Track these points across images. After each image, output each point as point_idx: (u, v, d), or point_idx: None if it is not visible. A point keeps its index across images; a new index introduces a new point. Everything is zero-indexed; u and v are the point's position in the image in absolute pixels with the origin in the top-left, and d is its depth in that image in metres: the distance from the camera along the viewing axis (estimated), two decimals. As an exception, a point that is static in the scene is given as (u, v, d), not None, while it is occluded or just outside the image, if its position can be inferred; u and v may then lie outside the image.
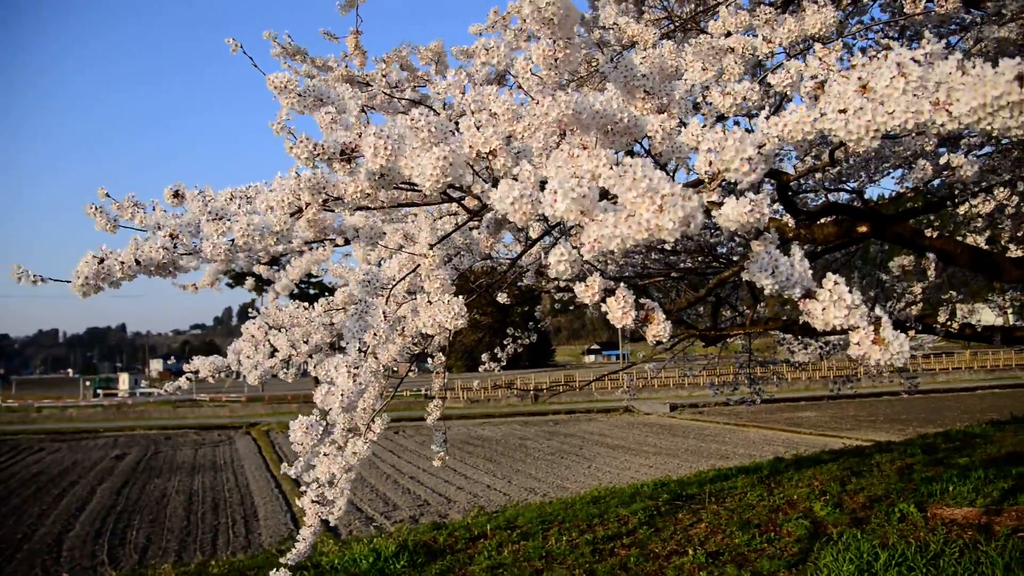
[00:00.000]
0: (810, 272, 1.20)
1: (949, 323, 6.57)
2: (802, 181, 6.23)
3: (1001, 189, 4.88)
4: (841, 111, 1.21)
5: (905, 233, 4.52)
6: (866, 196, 6.37)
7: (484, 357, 7.13)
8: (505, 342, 7.26)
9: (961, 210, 5.03)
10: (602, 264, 5.94)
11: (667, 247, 6.28)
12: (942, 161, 3.55)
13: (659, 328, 1.35)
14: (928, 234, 4.63)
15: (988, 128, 1.15)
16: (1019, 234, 5.43)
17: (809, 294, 1.19)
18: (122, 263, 1.58)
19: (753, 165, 1.12)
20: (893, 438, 16.48)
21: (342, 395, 1.65)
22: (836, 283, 1.18)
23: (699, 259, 6.92)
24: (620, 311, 1.34)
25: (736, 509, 8.31)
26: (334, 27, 4.62)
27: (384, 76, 3.62)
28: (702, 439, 22.65)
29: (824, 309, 1.16)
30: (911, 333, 6.71)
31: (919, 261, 6.74)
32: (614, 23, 2.45)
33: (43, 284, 1.87)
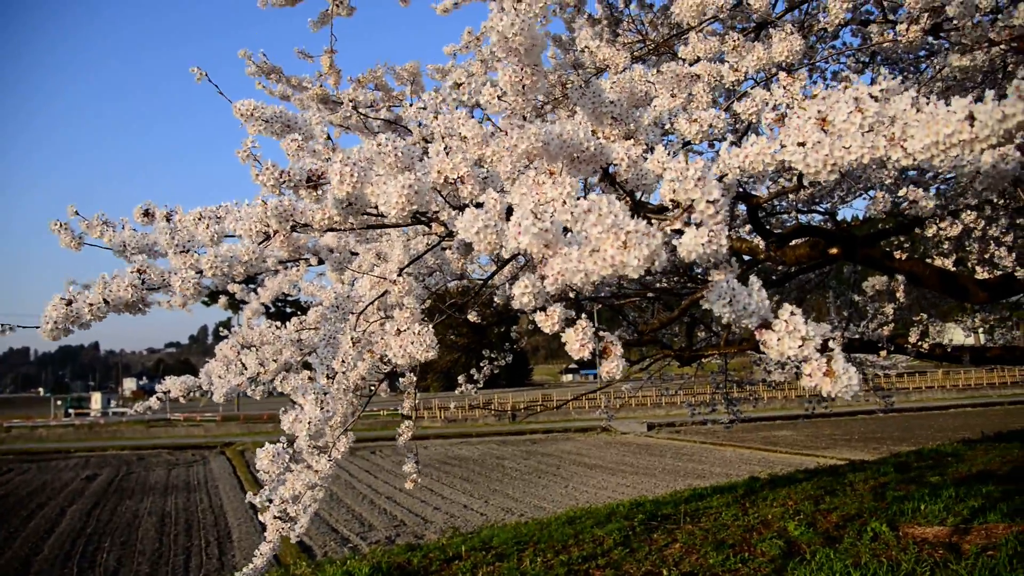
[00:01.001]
0: (767, 302, 1.21)
1: (920, 344, 6.66)
2: (775, 203, 6.31)
3: (968, 213, 4.96)
4: (800, 144, 1.23)
5: (875, 255, 4.58)
6: (839, 217, 6.47)
7: (460, 379, 7.10)
8: (482, 363, 7.24)
9: (929, 232, 5.11)
10: (580, 287, 5.94)
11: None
12: (901, 193, 3.61)
13: (613, 365, 1.35)
14: (897, 256, 4.70)
15: (941, 164, 1.18)
16: (986, 256, 5.52)
17: (765, 324, 1.20)
18: (91, 305, 1.57)
19: (718, 208, 1.14)
20: (867, 457, 16.61)
21: (309, 423, 1.64)
22: (792, 314, 1.20)
23: (674, 279, 6.97)
24: (578, 343, 1.35)
25: (711, 529, 8.32)
26: (311, 43, 4.62)
27: (352, 100, 3.61)
28: (679, 458, 22.68)
29: (779, 340, 1.17)
30: (883, 354, 6.80)
31: (890, 283, 6.83)
32: (585, 46, 2.48)
33: (16, 309, 1.85)
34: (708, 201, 1.15)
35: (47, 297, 1.71)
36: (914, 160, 1.17)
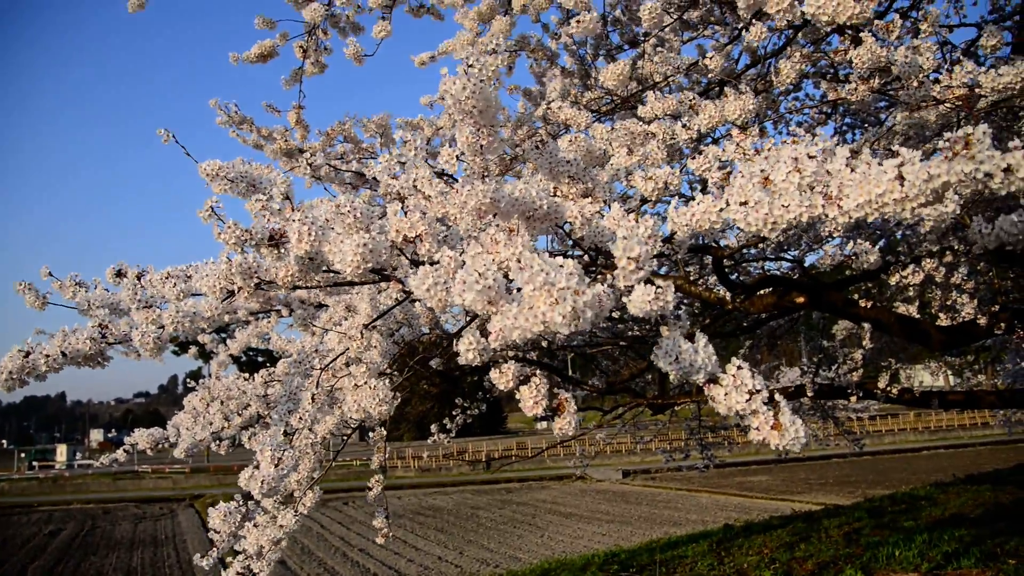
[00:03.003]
0: (714, 358, 1.23)
1: (889, 389, 6.72)
2: (744, 251, 6.41)
3: (929, 260, 5.07)
4: (743, 203, 1.27)
5: (839, 303, 4.66)
6: (807, 263, 6.57)
7: (433, 428, 7.05)
8: (454, 412, 7.21)
9: (892, 280, 5.21)
10: (550, 336, 5.98)
11: (615, 315, 6.36)
12: (847, 248, 3.70)
13: (566, 422, 1.37)
14: (861, 304, 4.77)
15: (877, 219, 1.22)
16: (948, 303, 5.63)
17: (713, 379, 1.22)
18: (47, 356, 1.57)
19: (640, 264, 1.17)
20: (842, 501, 16.60)
21: (262, 480, 1.63)
22: (739, 368, 1.22)
23: (646, 327, 7.02)
24: (531, 400, 1.36)
25: (687, 579, 8.25)
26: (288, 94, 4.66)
27: (315, 152, 3.65)
28: (654, 506, 22.52)
29: (726, 394, 1.20)
30: (853, 399, 6.86)
31: (856, 328, 6.93)
32: (547, 106, 2.54)
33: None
34: (629, 257, 1.18)
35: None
36: (850, 218, 1.21)
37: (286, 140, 4.34)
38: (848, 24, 1.98)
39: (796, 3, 2.10)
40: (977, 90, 2.14)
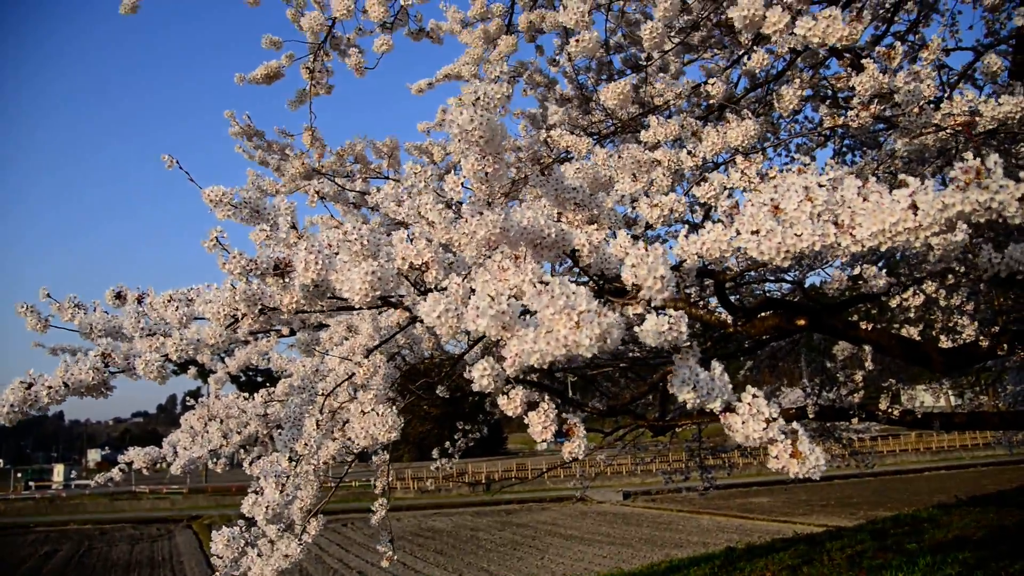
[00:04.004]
0: (729, 385, 1.23)
1: (891, 410, 6.70)
2: (745, 273, 6.40)
3: (930, 283, 5.07)
4: (754, 232, 1.27)
5: (840, 326, 4.66)
6: (808, 284, 6.57)
7: (435, 453, 7.02)
8: (456, 436, 7.17)
9: (893, 303, 5.21)
10: (566, 360, 5.96)
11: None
12: (855, 271, 3.71)
13: (575, 445, 1.36)
14: (863, 326, 4.76)
15: (890, 248, 1.22)
16: (949, 325, 5.62)
17: (729, 408, 1.22)
18: (49, 388, 1.56)
19: (666, 284, 1.16)
20: (844, 523, 16.50)
21: (267, 507, 1.61)
22: (755, 396, 1.22)
23: (646, 350, 7.00)
24: (540, 426, 1.35)
25: (689, 603, 8.18)
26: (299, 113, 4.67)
27: (320, 184, 3.66)
28: (656, 527, 22.37)
29: (744, 423, 1.19)
30: (854, 421, 6.83)
31: (857, 350, 6.91)
32: (548, 134, 2.54)
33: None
34: (656, 277, 1.18)
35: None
36: (863, 247, 1.21)
37: (303, 163, 4.35)
38: (840, 47, 1.99)
39: (792, 23, 2.12)
40: (977, 118, 2.15)
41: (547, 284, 1.12)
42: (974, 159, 1.12)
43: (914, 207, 1.14)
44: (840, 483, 29.87)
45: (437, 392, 4.11)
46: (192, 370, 5.85)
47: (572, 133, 2.44)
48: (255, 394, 3.23)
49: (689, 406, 1.22)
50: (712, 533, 19.97)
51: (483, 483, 29.89)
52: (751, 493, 29.56)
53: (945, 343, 5.33)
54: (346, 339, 2.85)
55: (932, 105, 2.28)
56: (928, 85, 2.23)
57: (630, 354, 6.90)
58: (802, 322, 4.38)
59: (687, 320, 1.24)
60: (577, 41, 2.83)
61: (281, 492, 1.65)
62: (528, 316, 1.23)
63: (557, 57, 5.27)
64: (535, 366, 1.08)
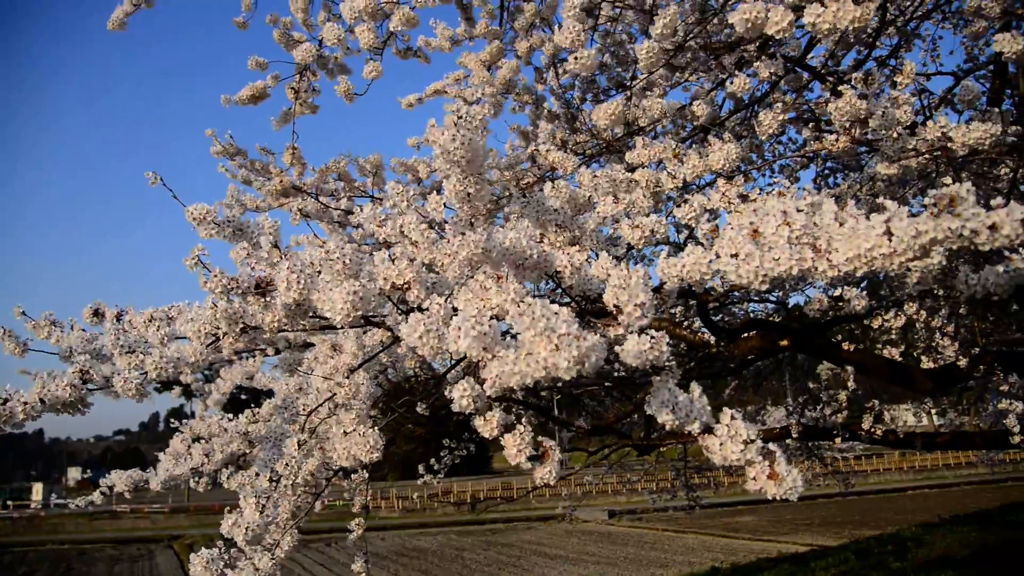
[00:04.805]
0: (708, 408, 1.24)
1: (873, 430, 6.73)
2: (729, 293, 6.44)
3: (911, 304, 5.12)
4: (733, 255, 1.28)
5: (823, 346, 4.69)
6: (791, 304, 6.61)
7: (420, 469, 6.99)
8: (441, 454, 7.15)
9: (875, 324, 5.25)
10: (548, 382, 5.96)
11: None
12: (836, 293, 3.74)
13: (547, 470, 1.36)
14: (845, 347, 4.80)
15: (866, 273, 1.23)
16: (932, 345, 5.67)
17: (708, 429, 1.22)
18: (25, 403, 1.54)
19: (645, 311, 1.17)
20: (829, 542, 16.50)
21: (247, 528, 1.60)
22: (733, 418, 1.22)
23: (630, 369, 7.00)
24: (515, 448, 1.35)
25: (674, 623, 8.14)
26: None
27: (303, 203, 3.66)
28: (641, 547, 22.28)
29: (722, 444, 1.20)
30: (837, 440, 6.86)
31: (840, 371, 6.95)
32: (535, 149, 2.56)
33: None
34: (635, 304, 1.19)
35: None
36: (839, 271, 1.23)
37: (282, 181, 4.35)
38: (849, 30, 1.99)
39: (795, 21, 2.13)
40: (949, 144, 2.18)
41: (529, 305, 1.13)
42: (953, 184, 1.15)
43: (889, 233, 1.16)
44: (824, 502, 29.88)
45: (418, 410, 4.09)
46: (176, 389, 5.81)
47: (560, 149, 2.45)
48: (240, 414, 3.22)
49: (667, 428, 1.23)
50: (697, 552, 19.91)
51: (468, 502, 29.70)
52: (736, 512, 29.51)
53: (926, 364, 5.38)
54: (331, 358, 2.84)
55: (908, 131, 2.32)
56: (904, 111, 2.26)
57: (615, 373, 6.90)
58: (785, 343, 4.41)
59: (668, 341, 1.25)
60: (576, 59, 2.84)
61: (261, 512, 1.64)
62: (509, 338, 1.24)
63: (545, 74, 5.31)
64: (515, 387, 1.09)
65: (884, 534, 14.78)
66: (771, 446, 1.23)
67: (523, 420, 1.40)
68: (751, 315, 6.75)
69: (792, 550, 15.36)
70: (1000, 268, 1.47)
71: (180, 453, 3.28)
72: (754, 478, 1.21)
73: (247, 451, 3.15)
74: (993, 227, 1.07)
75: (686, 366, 5.44)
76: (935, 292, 5.16)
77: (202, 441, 3.23)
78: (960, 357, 5.08)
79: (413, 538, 28.05)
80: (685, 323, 5.73)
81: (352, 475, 3.69)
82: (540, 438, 1.41)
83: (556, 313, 1.14)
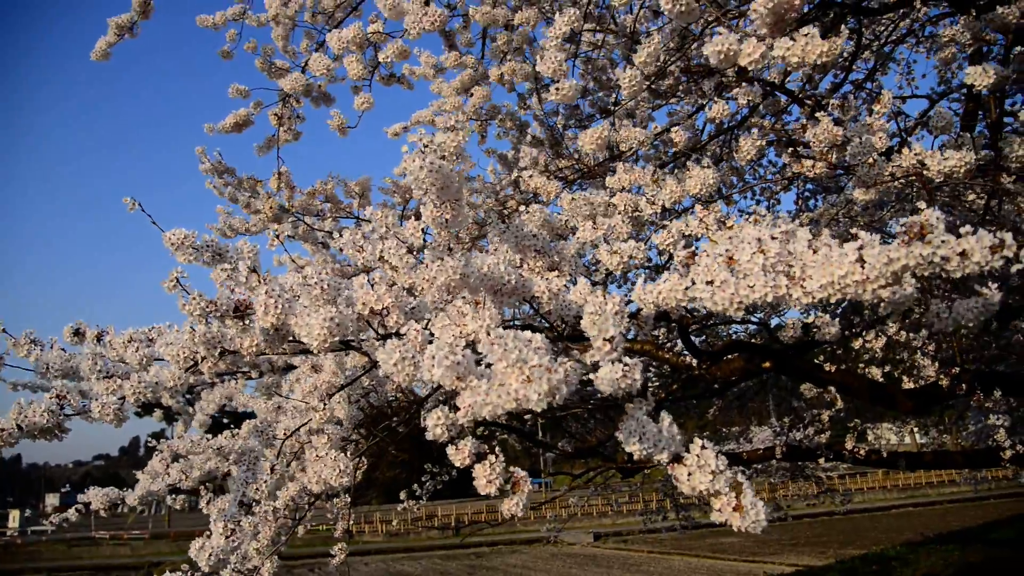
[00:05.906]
0: (678, 437, 1.24)
1: (857, 450, 6.75)
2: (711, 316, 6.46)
3: (891, 325, 5.16)
4: (708, 282, 1.29)
5: (805, 367, 4.71)
6: (773, 325, 6.63)
7: (402, 495, 6.94)
8: (424, 478, 7.10)
9: (856, 345, 5.28)
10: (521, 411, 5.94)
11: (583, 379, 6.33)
12: (808, 320, 3.76)
13: (514, 502, 1.36)
14: (828, 368, 4.82)
15: (840, 298, 1.24)
16: (913, 365, 5.70)
17: (677, 458, 1.22)
18: (2, 431, 1.52)
19: (615, 345, 1.18)
20: (815, 562, 16.47)
21: (210, 553, 1.57)
22: (703, 447, 1.22)
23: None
24: (485, 479, 1.35)
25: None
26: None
27: (290, 230, 3.66)
28: (626, 569, 22.15)
29: (690, 474, 1.19)
30: (822, 460, 6.87)
31: (822, 391, 6.98)
32: (519, 175, 2.57)
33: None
34: (604, 339, 1.19)
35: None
36: (813, 298, 1.24)
37: (271, 207, 4.34)
38: (816, 64, 2.02)
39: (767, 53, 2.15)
40: (924, 172, 2.21)
41: (500, 336, 1.12)
42: (928, 208, 1.16)
43: (862, 260, 1.17)
44: (809, 522, 29.83)
45: (399, 431, 4.06)
46: (157, 412, 5.74)
47: (542, 174, 2.47)
48: (219, 435, 3.20)
49: (636, 457, 1.22)
50: (683, 574, 19.82)
51: (452, 526, 29.45)
52: (722, 533, 29.37)
53: (908, 384, 5.41)
54: (310, 378, 2.83)
55: (884, 156, 2.35)
56: (880, 137, 2.29)
57: (598, 395, 6.90)
58: (767, 364, 4.42)
59: (648, 365, 1.25)
60: (557, 90, 2.86)
61: (227, 538, 1.62)
62: (484, 366, 1.23)
63: (528, 100, 5.34)
64: (487, 417, 1.08)
65: (869, 553, 14.76)
66: (739, 477, 1.23)
67: (495, 450, 1.39)
68: (733, 337, 6.77)
69: (778, 571, 15.33)
70: (971, 302, 1.49)
71: (158, 472, 3.24)
72: (719, 509, 1.21)
73: (227, 470, 3.12)
74: (963, 254, 1.09)
75: (669, 387, 5.45)
76: (915, 312, 5.20)
77: (181, 460, 3.20)
78: (941, 377, 5.12)
79: (397, 562, 27.74)
80: (668, 345, 5.74)
81: (335, 499, 3.66)
82: (512, 468, 1.40)
83: (529, 342, 1.14)
